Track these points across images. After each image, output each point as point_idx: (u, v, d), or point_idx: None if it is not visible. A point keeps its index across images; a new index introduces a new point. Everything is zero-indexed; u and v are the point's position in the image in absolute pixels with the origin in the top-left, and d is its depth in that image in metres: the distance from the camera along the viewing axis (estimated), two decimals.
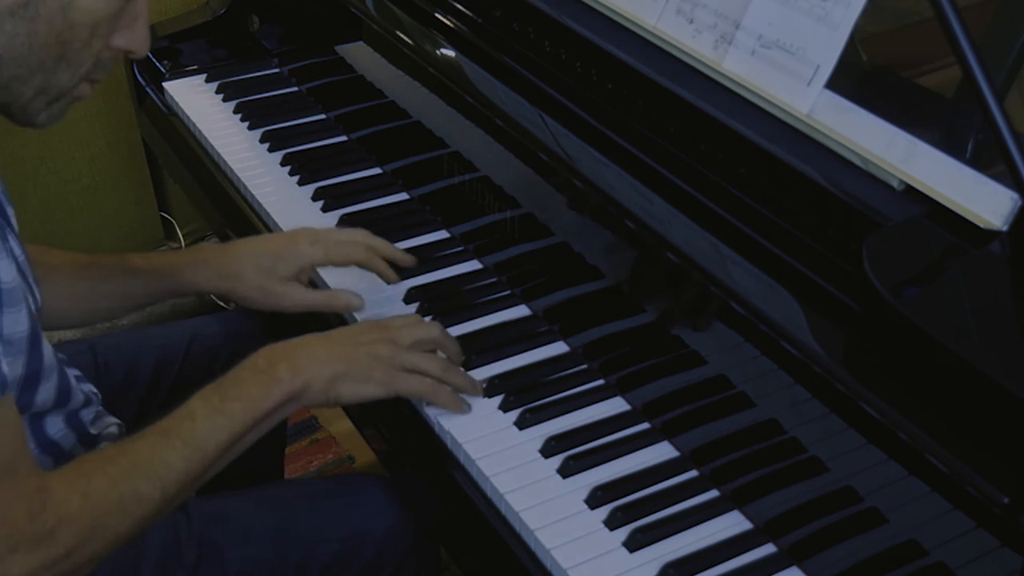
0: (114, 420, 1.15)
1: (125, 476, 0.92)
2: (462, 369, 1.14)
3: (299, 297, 1.21)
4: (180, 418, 0.98)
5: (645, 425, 1.10)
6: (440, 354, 1.13)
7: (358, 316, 1.24)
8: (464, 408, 1.11)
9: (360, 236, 1.26)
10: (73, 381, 1.06)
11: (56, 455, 1.04)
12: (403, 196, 1.45)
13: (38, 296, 1.01)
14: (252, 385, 1.01)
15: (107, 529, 0.91)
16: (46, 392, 0.99)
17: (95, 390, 1.14)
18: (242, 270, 1.20)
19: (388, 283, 1.27)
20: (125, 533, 0.92)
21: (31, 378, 0.96)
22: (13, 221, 0.99)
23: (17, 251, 0.97)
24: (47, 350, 0.98)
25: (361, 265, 1.25)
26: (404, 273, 1.30)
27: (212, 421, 0.98)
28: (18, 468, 0.86)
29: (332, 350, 1.06)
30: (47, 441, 1.04)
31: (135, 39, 0.95)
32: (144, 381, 1.32)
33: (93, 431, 1.10)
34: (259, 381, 1.01)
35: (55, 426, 1.04)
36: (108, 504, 0.90)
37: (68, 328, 1.30)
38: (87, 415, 1.09)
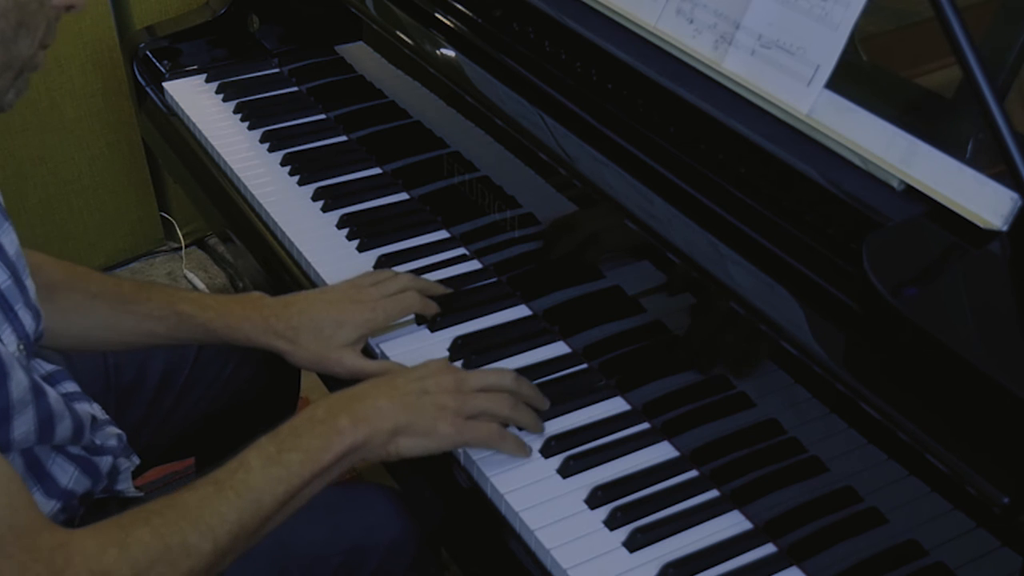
0: (114, 431, 1.12)
1: (171, 527, 0.88)
2: (527, 407, 1.09)
3: (352, 365, 1.16)
4: (233, 469, 0.93)
5: (645, 425, 1.10)
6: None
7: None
8: (527, 452, 1.06)
9: (407, 281, 1.22)
10: (57, 407, 0.98)
11: (50, 491, 1.01)
12: (403, 196, 1.45)
13: (26, 322, 0.97)
14: (311, 436, 0.97)
15: None
16: (23, 427, 0.93)
17: (91, 409, 1.09)
18: (299, 335, 1.16)
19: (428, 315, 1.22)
20: None
21: None
22: (4, 240, 0.96)
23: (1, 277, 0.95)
24: (16, 384, 0.91)
25: (417, 312, 1.21)
26: None
27: (268, 472, 0.93)
28: (25, 528, 0.82)
29: (395, 400, 1.01)
30: (47, 479, 1.00)
31: None
32: (153, 384, 1.31)
33: (97, 441, 1.07)
34: (318, 432, 0.97)
35: (49, 460, 1.01)
36: (151, 555, 0.86)
37: (105, 351, 1.29)
38: (81, 442, 1.04)
